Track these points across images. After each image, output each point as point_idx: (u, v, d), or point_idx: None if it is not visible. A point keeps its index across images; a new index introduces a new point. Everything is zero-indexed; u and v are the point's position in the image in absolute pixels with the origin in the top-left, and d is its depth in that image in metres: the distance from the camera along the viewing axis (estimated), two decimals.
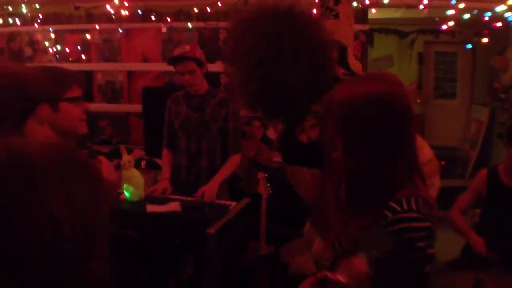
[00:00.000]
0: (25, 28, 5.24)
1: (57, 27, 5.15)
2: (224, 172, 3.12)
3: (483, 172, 3.04)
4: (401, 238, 1.24)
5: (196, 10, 4.77)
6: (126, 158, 2.79)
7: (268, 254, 3.09)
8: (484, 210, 3.07)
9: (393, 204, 1.27)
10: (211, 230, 2.38)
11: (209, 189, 2.95)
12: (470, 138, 5.82)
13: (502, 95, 5.37)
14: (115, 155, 3.30)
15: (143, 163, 4.08)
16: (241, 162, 3.32)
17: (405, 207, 1.27)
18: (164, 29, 4.94)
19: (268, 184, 3.03)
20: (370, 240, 1.23)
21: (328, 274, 1.09)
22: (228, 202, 2.88)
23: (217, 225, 2.43)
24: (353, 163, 1.33)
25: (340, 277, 1.09)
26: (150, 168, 4.07)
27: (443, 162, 5.66)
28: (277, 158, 3.67)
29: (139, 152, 2.98)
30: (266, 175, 3.10)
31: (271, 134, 4.11)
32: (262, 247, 3.00)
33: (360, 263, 1.24)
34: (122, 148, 2.84)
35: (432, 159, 2.07)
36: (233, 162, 3.19)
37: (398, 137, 1.32)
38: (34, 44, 5.33)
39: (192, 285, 2.71)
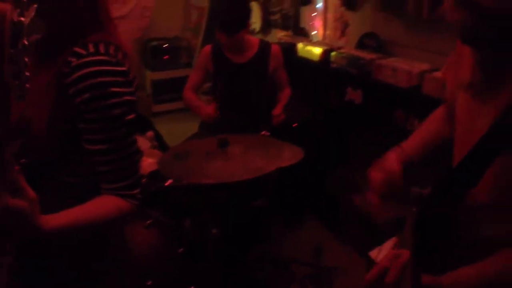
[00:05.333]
0: None
1: None
2: None
3: (207, 48, 3.25)
4: (90, 84, 1.21)
5: None
6: None
7: None
8: (212, 85, 3.34)
9: (78, 49, 1.24)
10: None
11: None
12: (192, 26, 6.10)
13: None
14: None
15: None
16: None
17: (91, 50, 1.24)
18: None
19: None
20: None
21: None
22: None
23: None
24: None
25: None
26: None
27: (166, 56, 5.87)
28: None
29: None
30: None
31: None
32: None
33: None
34: None
35: None
36: None
37: None
38: None
39: None
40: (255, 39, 3.25)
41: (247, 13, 3.08)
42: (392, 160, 1.44)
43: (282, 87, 3.33)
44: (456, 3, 1.04)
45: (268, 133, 2.74)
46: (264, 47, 3.20)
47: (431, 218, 1.15)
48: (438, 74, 2.80)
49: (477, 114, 1.18)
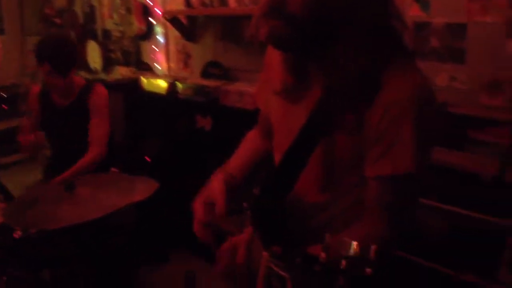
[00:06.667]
0: None
1: None
2: None
3: (35, 89, 3.13)
4: None
5: None
6: None
7: None
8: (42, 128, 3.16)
9: None
10: None
11: None
12: (30, 72, 5.88)
13: (57, 20, 5.61)
14: None
15: None
16: None
17: None
18: None
19: None
20: None
21: None
22: None
23: None
24: None
25: None
26: None
27: (5, 106, 5.60)
28: None
29: None
30: None
31: None
32: None
33: None
34: None
35: None
36: None
37: None
38: None
39: None
40: (81, 80, 3.06)
41: (76, 49, 3.01)
42: (215, 187, 1.50)
43: (91, 141, 2.88)
44: (264, 14, 1.16)
45: (117, 170, 2.70)
46: (87, 87, 3.00)
47: (263, 213, 1.23)
48: None
49: (292, 115, 1.31)
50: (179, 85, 3.69)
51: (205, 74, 3.79)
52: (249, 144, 1.67)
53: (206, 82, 3.60)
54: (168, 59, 4.20)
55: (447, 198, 2.40)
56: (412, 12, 2.57)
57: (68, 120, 2.95)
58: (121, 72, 4.48)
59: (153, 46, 4.31)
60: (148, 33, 4.31)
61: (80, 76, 3.15)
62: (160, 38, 4.22)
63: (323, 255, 0.82)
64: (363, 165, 1.19)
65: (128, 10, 4.45)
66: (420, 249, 2.38)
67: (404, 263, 2.39)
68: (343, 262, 0.80)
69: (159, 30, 4.22)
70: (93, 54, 4.85)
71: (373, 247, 0.80)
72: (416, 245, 2.34)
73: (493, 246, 2.34)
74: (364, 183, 1.20)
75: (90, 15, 5.08)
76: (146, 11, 4.26)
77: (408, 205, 1.23)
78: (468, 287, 2.30)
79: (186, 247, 3.60)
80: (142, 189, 2.29)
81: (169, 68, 4.20)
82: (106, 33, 4.82)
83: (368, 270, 0.78)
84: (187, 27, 3.86)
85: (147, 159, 3.21)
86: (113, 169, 2.72)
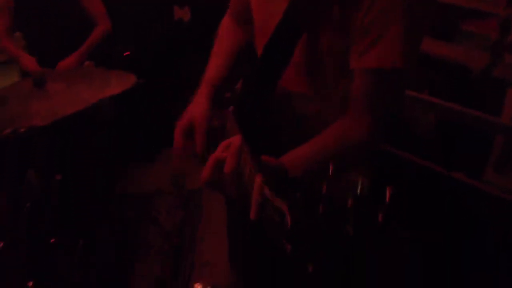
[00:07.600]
0: None
1: None
2: None
3: None
4: None
5: None
6: None
7: None
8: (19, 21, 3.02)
9: None
10: None
11: None
12: None
13: None
14: None
15: None
16: None
17: None
18: None
19: None
20: None
21: None
22: None
23: None
24: None
25: None
26: None
27: None
28: None
29: None
30: None
31: None
32: None
33: None
34: None
35: None
36: None
37: None
38: None
39: None
40: None
41: None
42: (197, 110, 1.41)
43: (95, 21, 2.96)
44: None
45: (92, 63, 2.58)
46: None
47: (249, 107, 1.16)
48: None
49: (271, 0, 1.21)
50: None
51: None
52: (226, 38, 1.54)
53: None
54: None
55: (436, 91, 2.35)
56: None
57: (47, 4, 2.80)
58: None
59: None
60: None
61: None
62: None
63: (325, 190, 0.70)
64: (349, 60, 1.11)
65: None
66: (409, 144, 2.35)
67: (395, 160, 2.36)
68: (349, 202, 0.67)
69: None
70: None
71: (388, 188, 0.66)
72: (405, 140, 2.31)
73: (480, 144, 2.31)
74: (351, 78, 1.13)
75: None
76: None
77: (393, 100, 1.17)
78: (456, 184, 2.29)
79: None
80: (119, 82, 2.20)
81: None
82: None
83: (381, 215, 0.66)
84: None
85: (126, 53, 3.08)
86: (87, 62, 2.60)
